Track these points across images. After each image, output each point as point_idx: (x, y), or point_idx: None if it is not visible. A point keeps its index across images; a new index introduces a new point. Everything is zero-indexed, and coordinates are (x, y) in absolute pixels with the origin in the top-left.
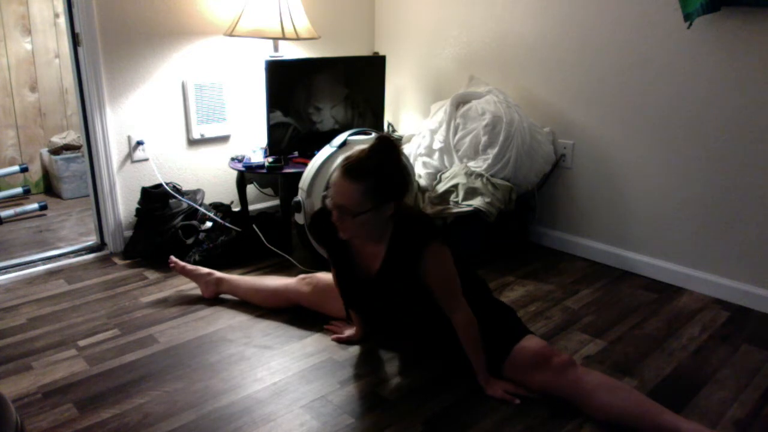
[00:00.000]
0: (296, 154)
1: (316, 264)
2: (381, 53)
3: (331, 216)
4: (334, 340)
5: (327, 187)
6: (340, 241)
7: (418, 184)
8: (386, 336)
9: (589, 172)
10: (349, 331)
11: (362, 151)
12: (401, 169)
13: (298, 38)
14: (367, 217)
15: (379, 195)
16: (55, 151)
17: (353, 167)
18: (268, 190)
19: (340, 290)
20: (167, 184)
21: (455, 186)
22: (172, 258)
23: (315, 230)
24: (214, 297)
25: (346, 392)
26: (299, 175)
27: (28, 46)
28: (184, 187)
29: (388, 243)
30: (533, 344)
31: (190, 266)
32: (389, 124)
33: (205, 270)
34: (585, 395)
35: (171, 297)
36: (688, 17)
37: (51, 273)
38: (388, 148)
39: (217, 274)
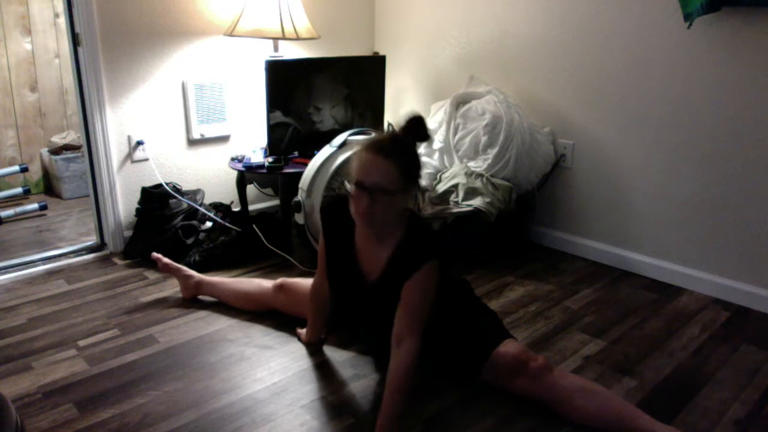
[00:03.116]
0: (296, 154)
1: (315, 264)
2: (381, 53)
3: (354, 204)
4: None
5: (334, 176)
6: (347, 236)
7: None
8: (370, 343)
9: (589, 172)
10: (302, 332)
11: (390, 131)
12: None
13: (298, 38)
14: (397, 198)
15: (410, 175)
16: (55, 151)
17: (388, 145)
18: (268, 190)
19: (331, 290)
20: (167, 184)
21: (455, 186)
22: (154, 254)
23: (329, 217)
24: (192, 298)
25: (346, 392)
26: (299, 175)
27: (28, 46)
28: (184, 187)
29: (397, 247)
30: (511, 349)
31: (174, 264)
32: (389, 124)
33: (187, 271)
34: (561, 400)
35: (171, 297)
36: (688, 17)
37: (51, 273)
38: (419, 124)
39: (198, 276)
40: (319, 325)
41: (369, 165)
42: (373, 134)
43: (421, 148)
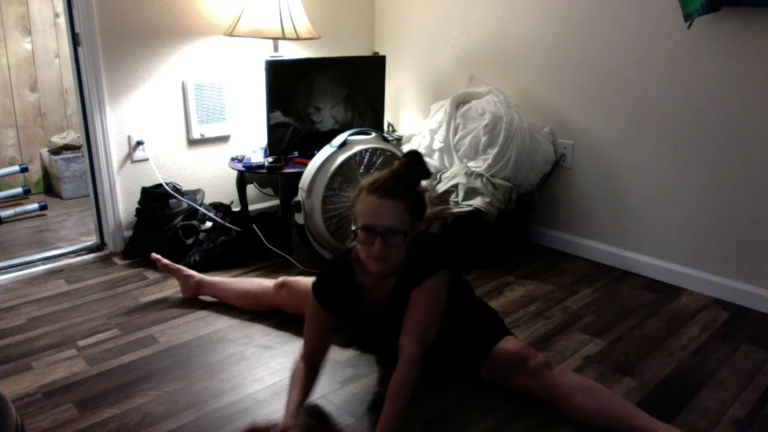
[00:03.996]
0: (296, 154)
1: (315, 264)
2: (381, 53)
3: (366, 249)
4: None
5: (334, 176)
6: (349, 295)
7: None
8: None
9: (589, 172)
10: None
11: (391, 170)
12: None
13: (298, 38)
14: (408, 237)
15: (417, 212)
16: (55, 151)
17: (392, 186)
18: (268, 190)
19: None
20: (167, 184)
21: (455, 186)
22: (154, 255)
23: (330, 289)
24: (192, 298)
25: (346, 392)
26: (299, 175)
27: (28, 46)
28: (184, 187)
29: (404, 271)
30: (511, 346)
31: (173, 265)
32: (389, 124)
33: (187, 271)
34: (561, 398)
35: (171, 297)
36: (688, 17)
37: (51, 273)
38: (419, 162)
39: (198, 276)
40: (302, 402)
41: (377, 209)
42: (371, 175)
43: (421, 149)
